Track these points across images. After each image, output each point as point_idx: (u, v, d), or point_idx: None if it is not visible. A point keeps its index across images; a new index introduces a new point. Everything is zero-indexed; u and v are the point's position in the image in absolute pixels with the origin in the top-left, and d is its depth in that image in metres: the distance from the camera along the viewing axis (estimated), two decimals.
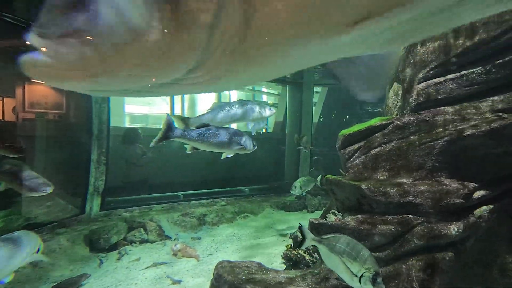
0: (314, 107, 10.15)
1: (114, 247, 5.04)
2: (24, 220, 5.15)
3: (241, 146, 3.23)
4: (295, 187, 6.09)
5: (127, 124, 14.76)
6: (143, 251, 5.07)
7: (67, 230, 5.04)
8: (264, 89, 13.91)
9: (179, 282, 3.95)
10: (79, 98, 5.98)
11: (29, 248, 2.11)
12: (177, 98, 11.12)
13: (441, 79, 2.79)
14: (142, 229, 5.55)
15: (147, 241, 5.42)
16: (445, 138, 2.64)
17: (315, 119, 10.87)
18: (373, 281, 1.86)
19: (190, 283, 3.91)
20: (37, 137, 5.60)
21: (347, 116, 11.42)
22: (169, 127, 2.95)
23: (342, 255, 1.99)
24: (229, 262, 3.03)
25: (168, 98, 11.63)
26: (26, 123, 5.81)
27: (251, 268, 2.94)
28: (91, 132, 5.82)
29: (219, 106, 3.37)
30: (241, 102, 3.59)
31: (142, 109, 17.87)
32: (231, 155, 3.41)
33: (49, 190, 3.09)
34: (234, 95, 14.57)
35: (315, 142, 10.06)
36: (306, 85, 9.24)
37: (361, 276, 1.88)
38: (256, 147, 3.39)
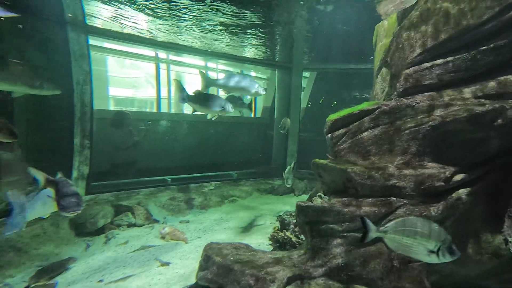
0: (302, 93, 10.11)
1: (100, 231, 5.01)
2: (5, 205, 4.99)
3: (223, 108, 4.18)
4: (288, 179, 5.98)
5: (111, 108, 14.30)
6: (131, 234, 5.07)
7: (51, 214, 4.94)
8: (253, 73, 13.70)
9: (167, 264, 3.99)
10: (58, 79, 5.71)
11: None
12: (163, 82, 10.80)
13: (428, 64, 2.82)
14: (129, 213, 5.53)
15: (134, 225, 5.41)
16: (430, 123, 2.70)
17: (304, 104, 10.88)
18: (450, 251, 1.94)
19: (178, 265, 3.96)
20: (15, 120, 5.34)
21: (335, 102, 11.48)
22: (182, 90, 4.03)
23: (415, 237, 2.01)
24: (218, 244, 3.08)
25: (154, 81, 11.29)
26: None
27: (239, 250, 3.00)
28: (73, 115, 5.60)
29: (230, 75, 4.45)
30: (246, 76, 4.72)
31: (127, 92, 17.25)
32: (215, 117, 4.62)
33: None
34: (221, 77, 14.28)
35: (303, 127, 10.11)
36: (295, 70, 9.15)
37: (438, 250, 1.95)
38: (233, 110, 4.38)
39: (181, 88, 4.04)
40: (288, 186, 6.87)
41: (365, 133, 3.07)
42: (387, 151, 2.94)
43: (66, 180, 3.18)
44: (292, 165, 6.19)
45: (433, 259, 2.01)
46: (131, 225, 5.40)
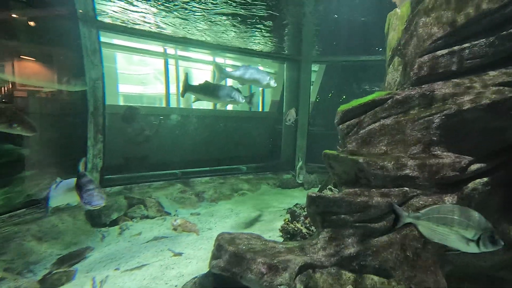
0: (311, 87, 10.02)
1: (115, 222, 5.14)
2: (25, 197, 5.18)
3: (232, 99, 4.38)
4: (300, 174, 5.90)
5: (121, 104, 14.51)
6: (144, 226, 5.19)
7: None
8: (261, 68, 13.65)
9: (180, 254, 4.08)
10: (71, 75, 5.83)
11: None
12: (172, 78, 10.88)
13: (444, 51, 2.75)
14: (142, 206, 5.64)
15: (147, 217, 5.53)
16: (444, 112, 2.64)
17: (312, 98, 10.78)
18: (492, 240, 1.83)
19: (191, 255, 4.04)
20: (30, 114, 5.49)
21: (344, 96, 11.34)
22: (187, 81, 4.26)
23: (452, 225, 1.91)
24: (229, 233, 3.12)
25: (163, 78, 11.38)
26: (19, 100, 5.67)
27: (251, 239, 3.03)
28: (87, 109, 5.72)
29: (244, 67, 4.68)
30: (259, 70, 4.90)
31: (135, 89, 17.46)
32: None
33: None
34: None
35: (312, 121, 10.04)
36: (304, 62, 9.06)
37: (478, 239, 1.83)
38: (244, 101, 4.56)
39: (186, 79, 4.28)
40: (299, 181, 6.86)
41: (377, 123, 3.03)
42: (400, 141, 2.90)
43: (86, 175, 3.29)
44: (300, 163, 6.13)
45: (472, 248, 1.90)
46: (143, 217, 5.52)
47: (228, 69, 4.87)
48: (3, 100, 4.82)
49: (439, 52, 2.79)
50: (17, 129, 3.24)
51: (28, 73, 4.48)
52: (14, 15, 4.86)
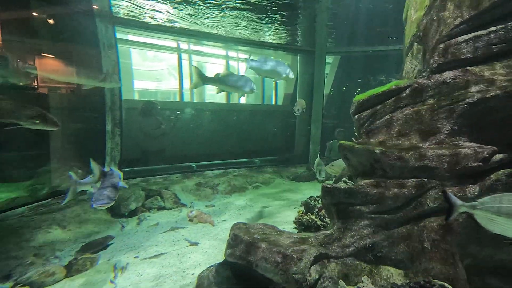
0: (325, 79, 9.86)
1: (133, 213, 5.32)
2: (49, 189, 5.43)
3: (252, 89, 4.76)
4: (321, 171, 5.22)
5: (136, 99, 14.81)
6: (161, 217, 5.34)
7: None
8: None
9: (196, 244, 4.18)
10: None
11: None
12: (186, 73, 10.98)
13: (467, 37, 2.62)
14: (158, 197, 5.80)
15: (164, 208, 5.68)
16: (467, 100, 2.54)
17: (326, 90, 10.61)
18: None
19: (206, 245, 4.13)
20: (52, 109, 5.72)
21: (359, 89, 11.09)
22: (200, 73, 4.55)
23: None
24: (244, 224, 3.16)
25: (176, 73, 11.51)
26: (42, 96, 5.90)
27: (266, 230, 3.07)
28: (104, 104, 5.90)
29: (264, 58, 4.99)
30: (278, 62, 5.19)
31: (150, 85, 17.77)
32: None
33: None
34: (242, 66, 14.27)
35: (326, 113, 9.90)
36: (318, 54, 8.90)
37: None
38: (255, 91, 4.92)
39: (199, 73, 4.54)
40: (321, 178, 6.63)
41: (394, 113, 2.95)
42: (419, 131, 2.82)
43: (113, 173, 3.41)
44: (317, 159, 5.51)
45: None
46: (160, 208, 5.67)
47: (252, 61, 5.10)
48: (27, 98, 5.06)
49: (462, 37, 2.67)
50: (40, 125, 3.38)
51: (71, 71, 4.77)
52: (56, 17, 5.14)
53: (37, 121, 3.32)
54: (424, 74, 2.96)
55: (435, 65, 2.79)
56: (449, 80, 2.69)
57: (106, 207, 3.10)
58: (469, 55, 2.66)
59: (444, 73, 2.74)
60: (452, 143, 2.65)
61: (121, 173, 3.77)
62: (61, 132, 5.66)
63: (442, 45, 2.76)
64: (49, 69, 4.69)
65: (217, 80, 4.62)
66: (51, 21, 5.35)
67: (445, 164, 2.57)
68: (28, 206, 4.56)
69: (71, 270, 3.41)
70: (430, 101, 2.80)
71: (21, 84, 4.79)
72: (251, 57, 5.64)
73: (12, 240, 3.75)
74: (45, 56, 5.20)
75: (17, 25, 4.82)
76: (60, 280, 3.27)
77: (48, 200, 4.87)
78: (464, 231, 2.53)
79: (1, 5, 4.59)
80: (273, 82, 12.78)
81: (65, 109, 5.91)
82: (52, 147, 5.41)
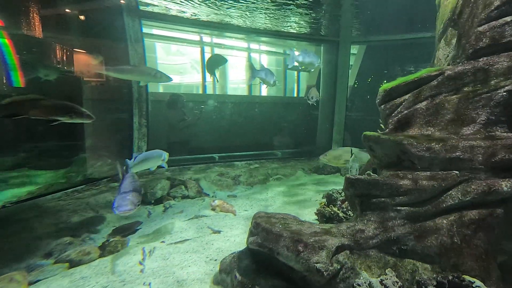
0: (349, 70, 9.54)
1: (159, 200, 5.55)
2: (82, 177, 5.81)
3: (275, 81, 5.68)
4: (353, 168, 4.22)
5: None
6: (185, 205, 5.52)
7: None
8: (296, 52, 13.30)
9: (219, 232, 4.29)
10: (118, 64, 6.25)
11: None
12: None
13: (508, 19, 2.43)
14: (183, 186, 5.99)
15: (187, 197, 5.87)
16: (507, 87, 2.37)
17: (351, 82, 10.28)
18: None
19: (228, 233, 4.23)
20: (86, 100, 6.05)
21: (385, 81, 10.63)
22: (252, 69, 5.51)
23: None
24: (266, 213, 3.20)
25: (199, 67, 11.65)
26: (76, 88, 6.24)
27: (287, 219, 3.08)
28: (132, 96, 6.14)
29: (305, 51, 5.91)
30: (313, 53, 6.08)
31: (174, 78, 18.19)
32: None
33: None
34: (264, 58, 14.16)
35: (350, 105, 9.62)
36: (342, 43, 8.62)
37: None
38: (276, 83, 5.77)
39: (252, 67, 5.35)
40: (353, 173, 6.42)
41: (424, 102, 2.82)
42: (451, 121, 2.68)
43: (133, 176, 3.53)
44: (353, 156, 4.89)
45: None
46: (184, 197, 5.87)
47: (296, 53, 5.75)
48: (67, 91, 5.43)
49: (503, 20, 2.47)
50: (77, 119, 3.59)
51: (131, 70, 5.23)
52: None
53: (73, 116, 3.54)
54: (458, 60, 2.79)
55: (471, 50, 2.62)
56: (486, 67, 2.52)
57: (129, 213, 3.08)
58: (511, 38, 2.46)
59: (480, 59, 2.56)
60: (488, 133, 2.50)
61: (167, 154, 4.35)
62: (93, 124, 5.99)
63: (479, 29, 2.57)
64: (114, 69, 5.07)
65: (263, 73, 5.41)
66: (82, 17, 5.61)
67: (479, 156, 2.43)
68: (65, 191, 4.91)
69: (104, 250, 3.65)
70: (465, 89, 2.64)
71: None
72: (294, 51, 6.14)
73: (52, 222, 4.08)
74: (108, 57, 5.53)
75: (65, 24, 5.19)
76: (95, 259, 3.52)
77: (82, 186, 5.21)
78: (499, 226, 2.39)
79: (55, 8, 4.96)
80: (295, 75, 12.59)
81: (97, 101, 6.23)
82: (86, 137, 5.75)
